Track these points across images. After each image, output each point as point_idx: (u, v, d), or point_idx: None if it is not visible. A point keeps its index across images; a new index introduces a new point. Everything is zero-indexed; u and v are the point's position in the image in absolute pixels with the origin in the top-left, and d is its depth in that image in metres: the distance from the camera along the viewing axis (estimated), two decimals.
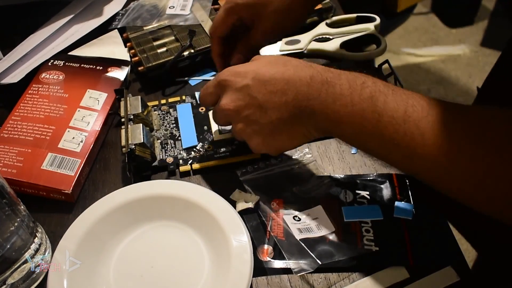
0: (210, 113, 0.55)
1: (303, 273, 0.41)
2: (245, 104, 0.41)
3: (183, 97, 0.57)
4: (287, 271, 0.42)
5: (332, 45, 0.61)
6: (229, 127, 0.52)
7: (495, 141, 0.33)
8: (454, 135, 0.34)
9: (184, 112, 0.56)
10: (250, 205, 0.46)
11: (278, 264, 0.42)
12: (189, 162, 0.51)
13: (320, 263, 0.41)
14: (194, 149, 0.52)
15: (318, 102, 0.39)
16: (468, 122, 0.34)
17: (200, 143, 0.52)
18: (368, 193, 0.47)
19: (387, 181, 0.48)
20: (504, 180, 0.32)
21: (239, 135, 0.44)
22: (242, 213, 0.45)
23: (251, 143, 0.44)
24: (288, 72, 0.40)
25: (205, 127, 0.54)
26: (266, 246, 0.43)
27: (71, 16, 0.65)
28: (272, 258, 0.42)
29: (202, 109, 0.56)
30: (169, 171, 0.50)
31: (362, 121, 0.37)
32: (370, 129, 0.37)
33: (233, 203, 0.46)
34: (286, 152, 0.51)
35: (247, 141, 0.44)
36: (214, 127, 0.54)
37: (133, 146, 0.47)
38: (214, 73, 0.62)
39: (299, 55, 0.62)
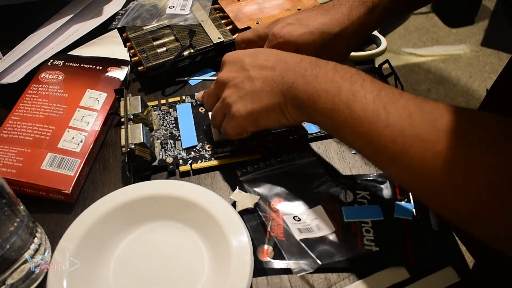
0: (210, 113, 0.55)
1: (303, 273, 0.41)
2: (237, 74, 0.45)
3: (183, 97, 0.57)
4: (287, 271, 0.42)
5: None
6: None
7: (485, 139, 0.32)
8: (420, 119, 0.34)
9: (184, 112, 0.56)
10: (250, 205, 0.46)
11: (278, 264, 0.42)
12: (189, 162, 0.51)
13: (320, 263, 0.41)
14: (194, 149, 0.52)
15: (301, 76, 0.41)
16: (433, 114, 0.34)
17: (200, 143, 0.52)
18: (368, 193, 0.47)
19: (388, 181, 0.48)
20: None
21: (223, 103, 0.46)
22: (242, 213, 0.45)
23: (233, 108, 0.45)
24: (283, 53, 0.44)
25: (205, 127, 0.54)
26: (266, 246, 0.43)
27: (71, 15, 0.65)
28: (272, 258, 0.42)
29: (202, 109, 0.56)
30: (169, 171, 0.50)
31: (336, 98, 0.38)
32: (342, 107, 0.38)
33: (233, 203, 0.46)
34: (286, 152, 0.51)
35: (229, 108, 0.45)
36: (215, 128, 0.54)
37: (133, 146, 0.47)
38: (214, 72, 0.62)
39: None
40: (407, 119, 0.34)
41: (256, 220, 0.45)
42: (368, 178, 0.48)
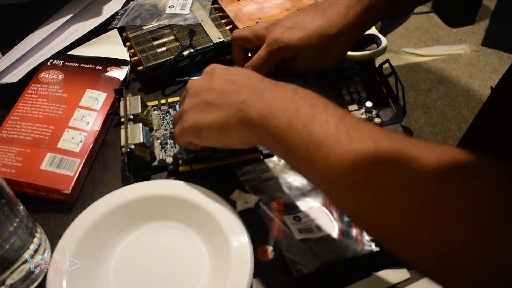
0: None
1: (303, 273, 0.40)
2: (202, 83, 0.44)
3: None
4: (287, 271, 0.42)
5: None
6: None
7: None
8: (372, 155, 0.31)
9: None
10: (250, 205, 0.45)
11: (278, 264, 0.42)
12: (189, 162, 0.50)
13: (320, 263, 0.41)
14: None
15: (257, 93, 0.39)
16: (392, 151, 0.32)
17: None
18: None
19: None
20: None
21: (180, 107, 0.46)
22: (242, 213, 0.45)
23: (184, 115, 0.44)
24: (251, 73, 0.43)
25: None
26: (266, 246, 0.43)
27: (70, 15, 0.65)
28: (272, 259, 0.42)
29: None
30: (169, 171, 0.50)
31: (293, 117, 0.36)
32: (299, 128, 0.35)
33: (233, 203, 0.46)
34: None
35: (181, 114, 0.45)
36: None
37: (133, 146, 0.47)
38: None
39: None
40: (372, 146, 0.32)
41: (256, 220, 0.45)
42: None
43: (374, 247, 0.42)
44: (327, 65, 0.53)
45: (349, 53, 0.59)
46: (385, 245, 0.32)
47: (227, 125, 0.41)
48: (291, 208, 0.46)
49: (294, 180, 0.48)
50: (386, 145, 0.32)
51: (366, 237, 0.43)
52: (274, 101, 0.38)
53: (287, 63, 0.52)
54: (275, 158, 0.50)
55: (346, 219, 0.45)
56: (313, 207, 0.46)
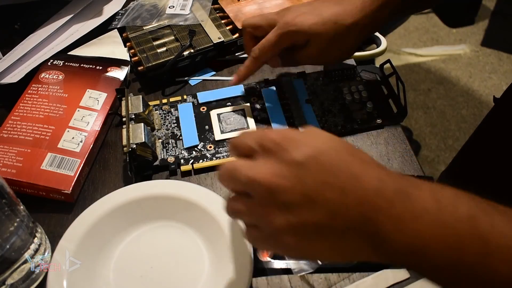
0: (212, 112, 0.55)
1: (303, 273, 0.40)
2: (290, 186, 0.29)
3: (184, 97, 0.57)
4: (287, 271, 0.42)
5: None
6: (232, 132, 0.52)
7: None
8: None
9: (186, 112, 0.55)
10: None
11: (278, 264, 0.42)
12: (190, 161, 0.50)
13: (320, 263, 0.41)
14: (196, 148, 0.52)
15: (388, 216, 0.28)
16: None
17: (202, 143, 0.52)
18: None
19: None
20: None
21: (265, 218, 0.30)
22: None
23: (281, 237, 0.30)
24: (355, 165, 0.30)
25: (206, 127, 0.54)
26: None
27: (71, 15, 0.65)
28: (272, 258, 0.42)
29: (203, 109, 0.56)
30: (170, 170, 0.50)
31: (459, 248, 0.26)
32: (471, 261, 0.26)
33: None
34: None
35: (274, 232, 0.30)
36: (216, 128, 0.54)
37: (134, 146, 0.47)
38: (214, 72, 0.62)
39: None
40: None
41: None
42: None
43: None
44: (337, 58, 0.52)
45: None
46: None
47: (354, 257, 0.32)
48: None
49: None
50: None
51: None
52: (419, 227, 0.27)
53: (296, 53, 0.51)
54: None
55: None
56: None
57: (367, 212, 0.28)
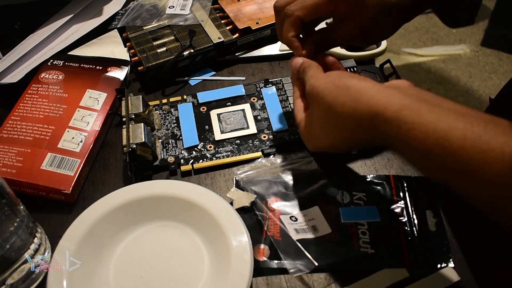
0: (212, 112, 0.55)
1: (300, 273, 0.40)
2: (331, 95, 0.39)
3: (184, 97, 0.57)
4: (283, 271, 0.42)
5: None
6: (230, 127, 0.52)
7: None
8: None
9: (186, 112, 0.55)
10: (247, 203, 0.45)
11: (274, 264, 0.42)
12: (190, 161, 0.50)
13: (316, 264, 0.41)
14: (195, 148, 0.52)
15: (389, 109, 0.35)
16: None
17: (202, 143, 0.52)
18: (365, 194, 0.47)
19: (384, 182, 0.47)
20: None
21: (309, 125, 0.42)
22: (239, 211, 0.45)
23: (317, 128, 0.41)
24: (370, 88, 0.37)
25: (206, 127, 0.54)
26: (262, 246, 0.43)
27: (71, 15, 0.65)
28: (268, 258, 0.42)
29: (203, 109, 0.56)
30: (170, 170, 0.50)
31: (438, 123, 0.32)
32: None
33: (230, 202, 0.46)
34: (285, 152, 0.51)
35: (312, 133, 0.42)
36: (216, 128, 0.54)
37: (134, 146, 0.47)
38: (214, 72, 0.62)
39: None
40: None
41: (252, 219, 0.45)
42: (365, 180, 0.48)
43: (369, 249, 0.42)
44: (375, 38, 0.49)
45: (350, 53, 0.60)
46: None
47: (359, 137, 0.38)
48: (288, 208, 0.46)
49: (291, 180, 0.48)
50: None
51: (362, 239, 0.43)
52: (402, 115, 0.34)
53: (334, 29, 0.47)
54: (272, 157, 0.50)
55: (342, 220, 0.45)
56: (310, 208, 0.46)
57: (374, 106, 0.35)
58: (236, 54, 0.63)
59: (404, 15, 0.46)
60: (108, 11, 0.67)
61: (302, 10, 0.45)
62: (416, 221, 0.44)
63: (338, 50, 0.60)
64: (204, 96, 0.57)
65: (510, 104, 0.62)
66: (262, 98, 0.56)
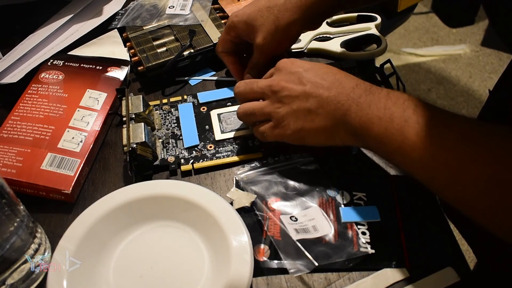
0: (212, 112, 0.55)
1: (300, 273, 0.40)
2: (293, 86, 0.44)
3: (185, 97, 0.57)
4: (283, 271, 0.42)
5: (333, 45, 0.61)
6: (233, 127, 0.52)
7: (497, 148, 0.34)
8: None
9: (186, 112, 0.55)
10: (247, 203, 0.45)
11: (274, 264, 0.42)
12: (191, 161, 0.50)
13: (316, 264, 0.41)
14: (196, 148, 0.52)
15: (355, 103, 0.41)
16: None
17: (202, 143, 0.52)
18: (365, 194, 0.47)
19: (384, 182, 0.47)
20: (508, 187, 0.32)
21: (273, 110, 0.45)
22: (239, 211, 0.45)
23: (284, 121, 0.45)
24: (340, 74, 0.44)
25: (207, 127, 0.54)
26: (262, 246, 0.43)
27: (71, 15, 0.65)
28: (268, 258, 0.42)
29: (203, 109, 0.56)
30: (171, 170, 0.50)
31: (388, 124, 0.38)
32: (395, 133, 0.38)
33: (230, 202, 0.46)
34: (285, 152, 0.50)
35: (279, 119, 0.45)
36: (216, 128, 0.54)
37: (135, 145, 0.47)
38: (214, 72, 0.62)
39: (299, 54, 0.62)
40: (461, 144, 0.35)
41: (252, 219, 0.45)
42: (366, 179, 0.48)
43: (369, 249, 0.42)
44: (287, 43, 0.54)
45: (350, 52, 0.60)
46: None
47: (332, 132, 0.43)
48: (288, 208, 0.46)
49: (291, 180, 0.48)
50: (474, 141, 0.35)
51: (362, 239, 0.43)
52: (371, 110, 0.40)
53: (252, 53, 0.54)
54: (272, 157, 0.50)
55: (342, 220, 0.45)
56: (310, 208, 0.46)
57: (342, 101, 0.42)
58: None
59: (296, 35, 0.53)
60: (108, 11, 0.67)
61: (218, 47, 0.57)
62: (416, 221, 0.44)
63: (338, 50, 0.60)
64: (204, 96, 0.57)
65: (508, 94, 0.62)
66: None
